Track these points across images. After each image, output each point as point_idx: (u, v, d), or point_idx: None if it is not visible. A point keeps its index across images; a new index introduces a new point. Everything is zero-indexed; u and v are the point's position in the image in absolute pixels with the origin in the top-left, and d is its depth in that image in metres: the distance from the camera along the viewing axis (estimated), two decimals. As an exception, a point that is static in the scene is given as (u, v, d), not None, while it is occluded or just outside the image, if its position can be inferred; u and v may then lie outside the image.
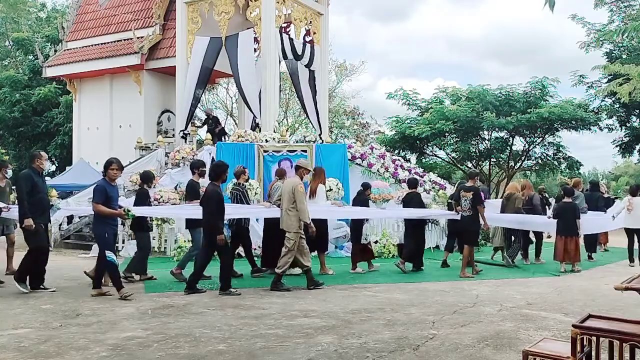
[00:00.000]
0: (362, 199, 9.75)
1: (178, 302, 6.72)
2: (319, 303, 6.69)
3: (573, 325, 2.88)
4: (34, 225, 7.19)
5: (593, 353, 2.90)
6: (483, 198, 9.35)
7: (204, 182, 8.35)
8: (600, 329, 2.83)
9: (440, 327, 5.47)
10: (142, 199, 8.54)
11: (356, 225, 9.42)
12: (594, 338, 2.85)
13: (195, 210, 7.93)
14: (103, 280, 7.39)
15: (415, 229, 9.66)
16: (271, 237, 8.57)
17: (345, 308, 6.38)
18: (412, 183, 10.20)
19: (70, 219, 13.19)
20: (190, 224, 8.55)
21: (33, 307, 6.41)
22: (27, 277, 7.38)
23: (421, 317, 5.95)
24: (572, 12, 23.19)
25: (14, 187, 8.57)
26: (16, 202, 8.01)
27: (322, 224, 8.85)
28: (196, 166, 8.95)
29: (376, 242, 11.45)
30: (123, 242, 11.61)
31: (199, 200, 7.83)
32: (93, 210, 7.08)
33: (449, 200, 10.56)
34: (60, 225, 13.05)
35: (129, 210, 7.40)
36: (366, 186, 10.03)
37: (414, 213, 9.64)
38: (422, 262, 9.54)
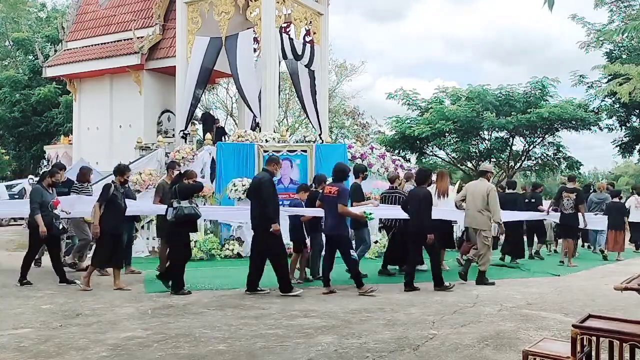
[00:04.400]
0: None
1: (178, 302, 6.72)
2: (319, 303, 6.69)
3: (573, 325, 2.88)
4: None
5: (593, 353, 2.90)
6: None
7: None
8: (600, 329, 2.83)
9: (440, 327, 5.47)
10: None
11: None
12: (594, 338, 2.85)
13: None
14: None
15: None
16: (398, 238, 8.91)
17: (345, 308, 6.38)
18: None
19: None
20: (356, 224, 8.64)
21: (33, 307, 6.41)
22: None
23: (421, 317, 5.95)
24: (571, 12, 23.19)
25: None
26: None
27: (448, 224, 9.74)
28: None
29: (376, 242, 11.44)
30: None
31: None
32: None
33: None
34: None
35: (370, 213, 7.80)
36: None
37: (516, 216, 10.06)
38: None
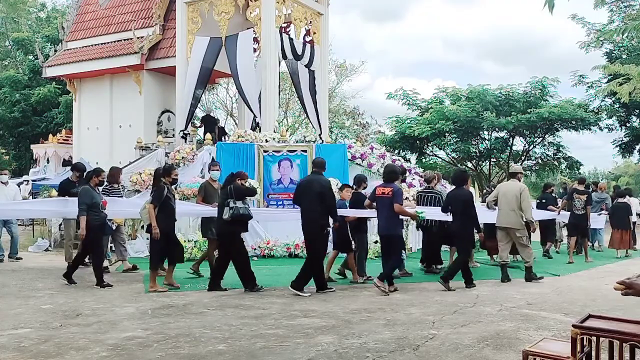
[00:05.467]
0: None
1: (178, 302, 6.72)
2: (319, 303, 6.69)
3: (573, 325, 2.88)
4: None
5: (593, 353, 2.90)
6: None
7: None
8: (600, 329, 2.83)
9: (440, 327, 5.47)
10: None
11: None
12: (594, 338, 2.85)
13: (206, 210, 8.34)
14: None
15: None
16: (431, 239, 9.21)
17: (345, 308, 6.38)
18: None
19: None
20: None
21: (33, 307, 6.41)
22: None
23: (421, 317, 5.95)
24: (571, 12, 23.17)
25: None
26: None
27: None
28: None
29: (376, 242, 11.42)
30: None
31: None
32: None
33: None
34: (60, 225, 13.03)
35: (421, 212, 8.00)
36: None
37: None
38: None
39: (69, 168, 17.89)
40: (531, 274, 8.51)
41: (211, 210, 8.24)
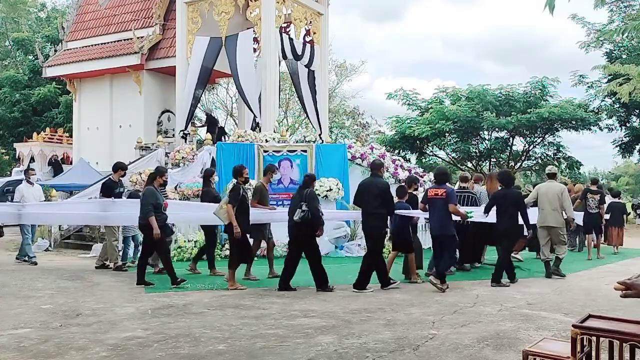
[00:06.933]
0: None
1: (178, 302, 6.72)
2: (319, 303, 6.69)
3: (573, 325, 2.88)
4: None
5: (593, 353, 2.89)
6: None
7: None
8: (600, 329, 2.83)
9: (440, 327, 5.47)
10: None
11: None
12: (594, 338, 2.85)
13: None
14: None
15: None
16: (474, 236, 9.31)
17: (345, 308, 6.38)
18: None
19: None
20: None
21: (33, 307, 6.41)
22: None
23: (421, 317, 5.95)
24: (571, 12, 23.17)
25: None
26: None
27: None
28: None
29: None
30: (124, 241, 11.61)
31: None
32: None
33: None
34: (60, 225, 13.03)
35: (470, 212, 8.20)
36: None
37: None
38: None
39: (69, 169, 17.94)
40: (559, 268, 8.94)
41: (271, 213, 8.69)
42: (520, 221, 8.28)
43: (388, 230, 8.06)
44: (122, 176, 9.92)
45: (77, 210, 10.39)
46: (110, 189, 9.45)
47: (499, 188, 8.62)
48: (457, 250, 8.85)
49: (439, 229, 7.83)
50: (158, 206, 7.81)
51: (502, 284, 7.99)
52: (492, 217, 8.43)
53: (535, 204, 9.27)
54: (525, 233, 8.66)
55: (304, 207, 7.45)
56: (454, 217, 8.05)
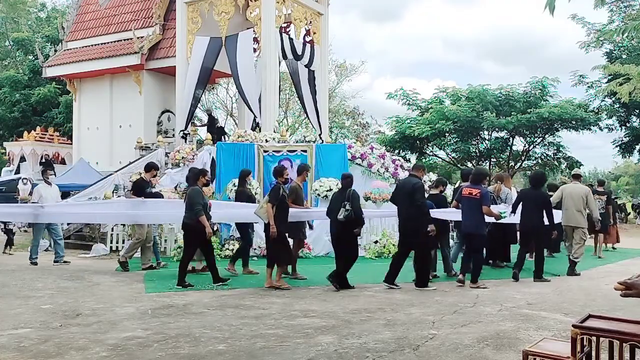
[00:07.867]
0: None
1: (178, 302, 6.72)
2: (319, 303, 6.69)
3: (573, 325, 2.88)
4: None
5: (593, 353, 2.89)
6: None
7: None
8: (600, 329, 2.83)
9: (440, 327, 5.47)
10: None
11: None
12: (594, 338, 2.84)
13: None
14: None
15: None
16: (498, 235, 9.51)
17: (345, 308, 6.38)
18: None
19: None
20: None
21: (33, 307, 6.41)
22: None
23: (421, 317, 5.95)
24: (571, 12, 23.17)
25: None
26: None
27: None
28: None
29: (376, 242, 11.44)
30: (123, 241, 11.62)
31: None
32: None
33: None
34: (60, 225, 13.00)
35: (503, 212, 8.41)
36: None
37: None
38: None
39: (69, 169, 17.90)
40: (574, 269, 9.19)
41: (307, 212, 8.96)
42: (546, 221, 8.51)
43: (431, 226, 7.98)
44: (154, 176, 10.02)
45: (106, 210, 10.38)
46: (141, 189, 9.48)
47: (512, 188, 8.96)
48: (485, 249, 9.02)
49: (472, 227, 8.05)
50: (204, 206, 7.82)
51: (544, 279, 8.38)
52: (516, 217, 8.74)
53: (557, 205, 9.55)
54: (555, 231, 9.04)
55: (347, 207, 7.60)
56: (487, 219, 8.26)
